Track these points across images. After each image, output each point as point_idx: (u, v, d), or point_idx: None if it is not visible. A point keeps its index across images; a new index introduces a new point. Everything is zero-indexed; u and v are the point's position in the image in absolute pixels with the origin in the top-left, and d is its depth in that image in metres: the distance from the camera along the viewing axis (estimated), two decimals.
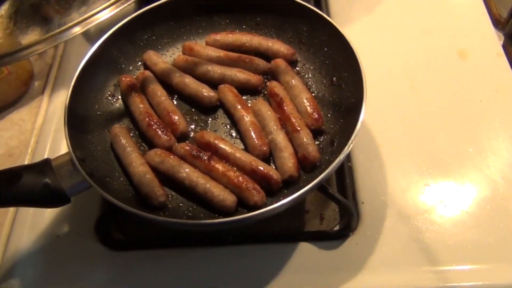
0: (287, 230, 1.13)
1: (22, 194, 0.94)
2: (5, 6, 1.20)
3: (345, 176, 1.16)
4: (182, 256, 1.08)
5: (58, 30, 1.14)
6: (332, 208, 1.15)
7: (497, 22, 1.44)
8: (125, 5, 1.19)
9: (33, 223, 1.14)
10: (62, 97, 1.36)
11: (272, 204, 0.92)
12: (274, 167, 1.05)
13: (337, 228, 1.11)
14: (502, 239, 1.03)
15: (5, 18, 1.21)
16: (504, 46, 1.37)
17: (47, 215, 1.15)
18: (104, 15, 1.18)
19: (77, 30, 1.17)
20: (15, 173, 0.96)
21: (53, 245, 1.12)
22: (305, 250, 1.06)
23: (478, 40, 1.39)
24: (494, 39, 1.39)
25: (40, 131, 1.32)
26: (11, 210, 1.18)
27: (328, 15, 1.44)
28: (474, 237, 1.04)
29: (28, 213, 1.16)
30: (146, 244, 1.12)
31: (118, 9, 1.19)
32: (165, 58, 1.29)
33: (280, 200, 0.91)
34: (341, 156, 0.94)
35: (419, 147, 1.20)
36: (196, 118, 1.18)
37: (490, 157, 1.16)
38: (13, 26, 1.14)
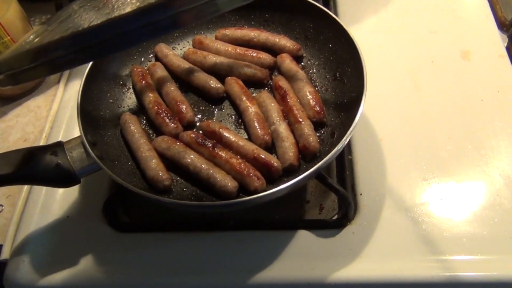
0: (287, 218, 1.16)
1: (35, 172, 1.00)
2: None
3: (345, 168, 1.19)
4: (185, 239, 1.12)
5: None
6: (332, 198, 1.19)
7: (501, 25, 1.47)
8: None
9: (44, 203, 1.20)
10: (76, 86, 1.40)
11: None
12: (275, 156, 1.09)
13: (335, 217, 1.14)
14: (495, 232, 1.06)
15: None
16: (507, 48, 1.40)
17: (58, 196, 1.21)
18: None
19: None
20: (29, 153, 1.01)
21: (62, 225, 1.17)
22: (303, 237, 1.09)
23: (482, 42, 1.42)
24: (498, 41, 1.41)
25: (54, 118, 1.37)
26: (25, 190, 1.24)
27: (336, 14, 1.49)
28: (469, 230, 1.07)
29: (41, 193, 1.21)
30: (151, 227, 1.16)
31: None
32: (175, 50, 1.35)
33: (279, 186, 0.95)
34: (339, 146, 0.98)
35: (419, 143, 1.22)
36: (203, 108, 1.23)
37: (489, 155, 1.19)
38: None
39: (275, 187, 0.95)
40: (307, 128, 1.09)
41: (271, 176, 1.05)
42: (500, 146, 1.20)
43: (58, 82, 1.48)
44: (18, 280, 1.08)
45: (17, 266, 1.10)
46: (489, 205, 1.10)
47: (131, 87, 1.28)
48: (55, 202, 1.20)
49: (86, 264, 1.10)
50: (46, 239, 1.14)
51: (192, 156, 1.06)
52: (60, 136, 1.31)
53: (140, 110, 1.23)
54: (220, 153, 1.07)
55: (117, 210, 1.18)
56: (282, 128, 1.10)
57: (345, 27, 1.18)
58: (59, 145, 1.04)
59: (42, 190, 1.21)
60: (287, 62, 1.23)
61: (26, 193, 1.23)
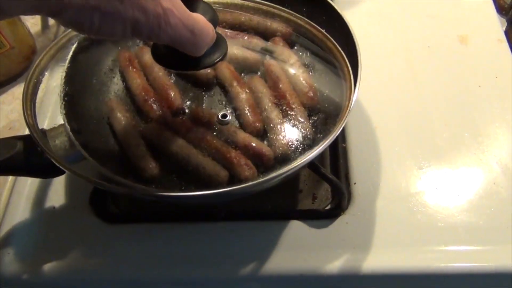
0: (280, 208, 1.13)
1: (16, 163, 0.95)
2: None
3: (339, 157, 1.16)
4: (176, 230, 1.09)
5: None
6: (325, 188, 1.16)
7: (500, 8, 1.43)
8: None
9: (30, 194, 1.16)
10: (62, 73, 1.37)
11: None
12: (267, 144, 1.06)
13: (328, 207, 1.11)
14: (492, 222, 1.04)
15: None
16: (506, 32, 1.36)
17: (44, 187, 1.17)
18: None
19: None
20: (9, 143, 0.97)
21: (49, 216, 1.14)
22: (296, 228, 1.07)
23: (480, 26, 1.38)
24: (496, 25, 1.38)
25: (40, 105, 1.33)
26: (10, 181, 1.21)
27: None
28: (465, 219, 1.05)
29: (26, 184, 1.18)
30: (141, 218, 1.14)
31: None
32: None
33: (270, 175, 0.91)
34: (333, 134, 0.94)
35: (415, 130, 1.20)
36: (192, 94, 1.19)
37: (486, 142, 1.16)
38: None
39: (266, 176, 0.92)
40: (299, 114, 1.06)
41: (263, 165, 1.02)
42: (498, 133, 1.17)
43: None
44: (3, 273, 1.05)
45: (2, 258, 1.07)
46: (485, 194, 1.08)
47: (118, 72, 1.23)
48: (40, 192, 1.17)
49: (73, 256, 1.07)
50: (32, 231, 1.11)
51: (180, 144, 1.03)
52: (46, 123, 1.28)
53: (127, 96, 1.19)
54: (209, 141, 1.03)
55: (106, 200, 1.15)
56: (274, 115, 1.07)
57: (339, 11, 1.14)
58: (41, 134, 1.00)
59: (27, 181, 1.18)
60: (279, 46, 1.19)
61: (11, 183, 1.20)
